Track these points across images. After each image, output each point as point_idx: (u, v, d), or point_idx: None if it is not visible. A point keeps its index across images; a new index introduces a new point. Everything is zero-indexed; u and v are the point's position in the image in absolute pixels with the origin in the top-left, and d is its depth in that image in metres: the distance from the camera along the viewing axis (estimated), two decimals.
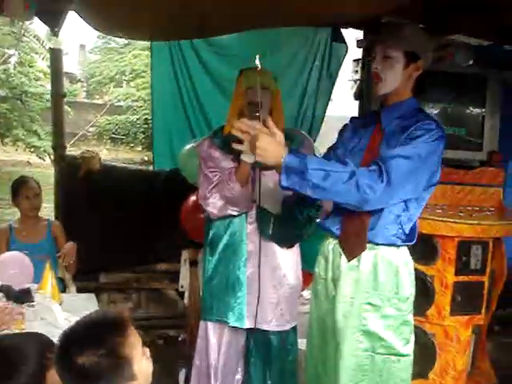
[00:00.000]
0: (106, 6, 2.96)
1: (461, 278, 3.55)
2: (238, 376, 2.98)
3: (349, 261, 2.47)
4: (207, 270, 3.01)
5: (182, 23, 3.15)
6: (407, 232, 2.43)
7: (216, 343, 2.96)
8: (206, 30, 3.53)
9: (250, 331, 2.92)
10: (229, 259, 2.90)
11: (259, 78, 2.74)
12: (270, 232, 2.83)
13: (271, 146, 2.16)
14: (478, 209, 3.77)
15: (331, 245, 2.54)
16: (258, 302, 2.82)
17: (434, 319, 3.59)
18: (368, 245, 2.43)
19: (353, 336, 2.44)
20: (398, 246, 2.44)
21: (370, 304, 2.43)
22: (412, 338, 2.52)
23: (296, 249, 2.98)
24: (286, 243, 2.89)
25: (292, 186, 2.16)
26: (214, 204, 2.87)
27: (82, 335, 1.56)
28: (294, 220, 2.81)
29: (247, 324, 2.86)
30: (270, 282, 2.85)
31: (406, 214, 2.39)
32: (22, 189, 3.80)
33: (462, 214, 3.60)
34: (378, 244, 2.43)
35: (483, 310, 3.70)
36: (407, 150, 2.25)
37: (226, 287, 2.91)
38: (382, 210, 2.35)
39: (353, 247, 2.46)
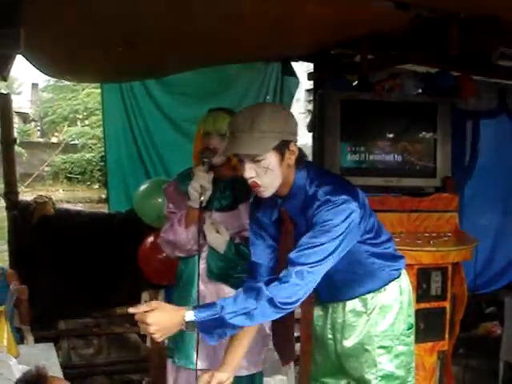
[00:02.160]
0: (52, 51, 2.93)
1: (422, 306, 3.55)
2: None
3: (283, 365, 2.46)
4: None
5: (130, 65, 3.14)
6: (389, 263, 2.38)
7: (172, 382, 2.91)
8: (156, 70, 3.52)
9: None
10: (182, 298, 2.85)
11: (216, 124, 2.75)
12: (217, 272, 2.76)
13: (163, 319, 1.94)
14: (435, 235, 3.78)
15: None
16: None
17: None
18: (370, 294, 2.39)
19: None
20: (394, 279, 2.40)
21: (382, 347, 2.38)
22: (413, 364, 2.51)
23: None
24: (230, 285, 2.76)
25: (221, 338, 2.00)
26: (166, 245, 2.89)
27: None
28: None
29: (199, 365, 2.74)
30: None
31: (371, 255, 2.33)
32: None
33: (419, 242, 3.61)
34: (375, 291, 2.38)
35: (447, 336, 3.70)
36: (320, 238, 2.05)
37: None
38: (350, 268, 2.29)
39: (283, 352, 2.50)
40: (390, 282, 2.39)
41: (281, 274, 2.03)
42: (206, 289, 2.79)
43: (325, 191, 2.11)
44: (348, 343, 2.43)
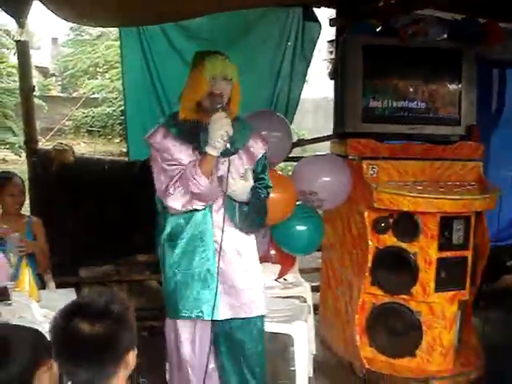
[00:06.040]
0: None
1: (444, 254, 3.54)
2: (212, 365, 2.84)
3: None
4: (169, 266, 2.80)
5: (151, 7, 3.08)
6: None
7: (188, 339, 2.81)
8: (176, 13, 3.44)
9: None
10: (194, 252, 2.74)
11: (224, 69, 2.69)
12: (238, 219, 2.75)
13: None
14: (458, 183, 3.73)
15: None
16: (232, 290, 2.77)
17: (419, 296, 3.57)
18: None
19: None
20: None
21: None
22: None
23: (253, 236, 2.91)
24: (250, 229, 2.82)
25: None
26: (175, 200, 2.68)
27: (91, 306, 1.68)
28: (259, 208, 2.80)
29: (222, 315, 2.75)
30: (240, 267, 2.78)
31: None
32: (6, 186, 3.67)
33: (442, 190, 3.56)
34: None
35: (468, 286, 3.68)
36: None
37: (195, 281, 2.74)
38: None
39: None
40: None
41: None
42: (221, 236, 2.71)
43: None
44: None
